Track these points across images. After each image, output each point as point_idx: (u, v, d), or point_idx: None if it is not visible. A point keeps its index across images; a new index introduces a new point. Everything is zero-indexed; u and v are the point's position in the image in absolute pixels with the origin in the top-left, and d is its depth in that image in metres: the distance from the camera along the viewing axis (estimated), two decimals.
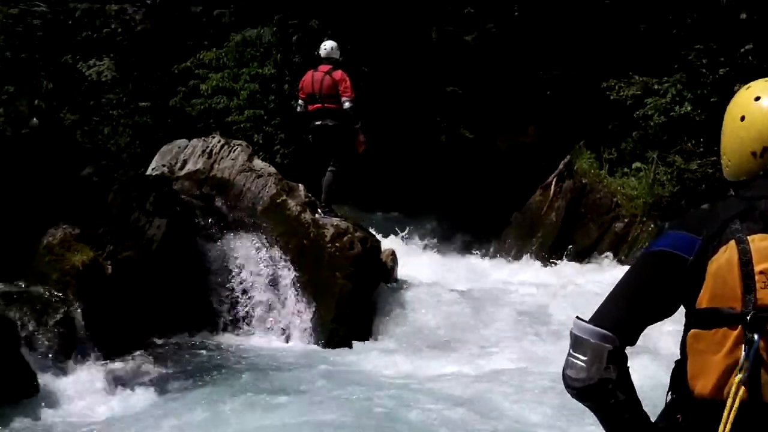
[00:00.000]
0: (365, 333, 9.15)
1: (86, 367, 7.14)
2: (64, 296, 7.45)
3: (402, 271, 10.45)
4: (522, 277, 11.83)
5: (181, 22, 17.79)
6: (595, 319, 2.02)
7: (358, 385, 7.27)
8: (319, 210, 9.89)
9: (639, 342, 2.06)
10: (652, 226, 12.41)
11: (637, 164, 13.87)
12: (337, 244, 9.40)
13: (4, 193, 7.99)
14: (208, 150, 11.05)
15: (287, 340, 9.06)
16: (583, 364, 1.99)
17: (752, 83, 2.11)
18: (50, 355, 6.96)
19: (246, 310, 9.15)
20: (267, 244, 9.59)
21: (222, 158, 10.88)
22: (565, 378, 2.03)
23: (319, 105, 9.62)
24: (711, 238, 1.95)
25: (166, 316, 8.59)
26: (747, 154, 2.04)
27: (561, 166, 13.88)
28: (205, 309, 9.05)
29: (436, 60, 16.52)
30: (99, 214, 8.48)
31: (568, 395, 2.08)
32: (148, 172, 11.09)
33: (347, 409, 6.45)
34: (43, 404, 6.46)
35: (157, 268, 8.55)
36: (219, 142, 11.17)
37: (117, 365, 7.46)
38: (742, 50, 12.60)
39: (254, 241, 9.57)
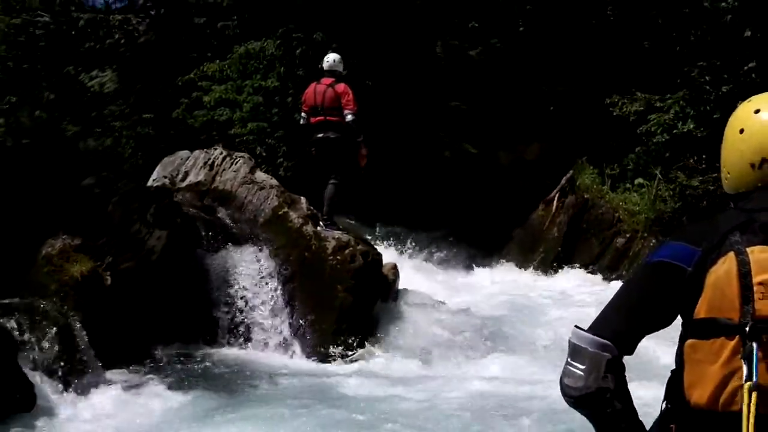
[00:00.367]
0: (365, 346, 9.10)
1: (85, 379, 7.10)
2: (63, 307, 7.42)
3: (403, 285, 10.41)
4: (523, 292, 11.80)
5: (184, 33, 17.82)
6: (594, 328, 2.04)
7: (358, 398, 7.25)
8: (320, 223, 9.87)
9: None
10: (653, 241, 12.40)
11: (640, 180, 13.89)
12: (338, 257, 9.37)
13: (4, 204, 7.97)
14: (210, 162, 11.06)
15: (286, 351, 9.01)
16: (581, 373, 2.00)
17: (753, 97, 2.14)
18: (48, 367, 6.92)
19: (246, 322, 9.11)
20: (268, 257, 9.56)
21: (224, 170, 10.88)
22: (563, 386, 2.05)
23: (322, 118, 9.62)
24: (711, 250, 1.96)
25: (166, 327, 8.55)
26: (746, 166, 2.07)
27: (563, 181, 13.89)
28: (205, 321, 9.02)
29: (440, 74, 16.54)
30: (99, 225, 8.45)
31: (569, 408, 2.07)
32: (150, 183, 11.10)
33: (346, 422, 6.42)
34: (40, 416, 6.40)
35: (157, 279, 8.52)
36: (221, 153, 11.17)
37: (116, 377, 7.43)
38: (746, 68, 12.61)
39: (255, 254, 9.54)
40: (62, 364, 6.99)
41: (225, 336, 9.03)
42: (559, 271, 13.09)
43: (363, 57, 15.33)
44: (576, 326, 2.07)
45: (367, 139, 9.71)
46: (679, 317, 2.03)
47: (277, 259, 9.56)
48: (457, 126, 16.36)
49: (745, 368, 1.86)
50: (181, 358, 8.38)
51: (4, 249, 7.65)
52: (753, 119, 2.06)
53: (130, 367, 7.79)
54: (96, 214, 8.59)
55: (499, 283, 12.60)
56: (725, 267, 1.91)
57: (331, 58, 9.97)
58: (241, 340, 9.03)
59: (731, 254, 1.91)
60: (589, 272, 12.95)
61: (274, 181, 10.72)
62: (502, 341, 9.20)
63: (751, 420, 1.84)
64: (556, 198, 13.74)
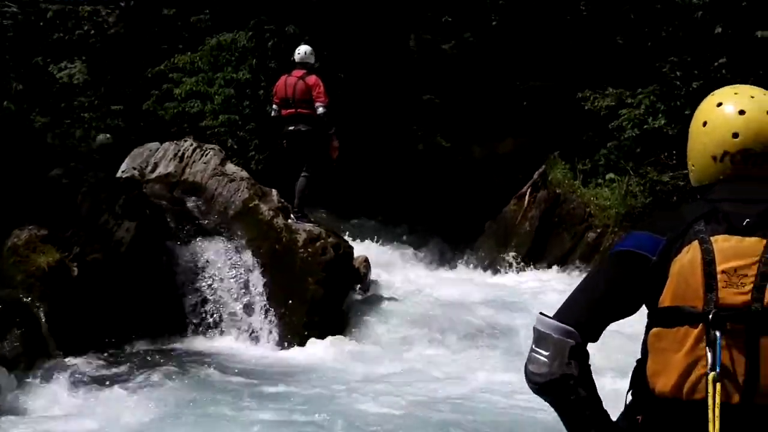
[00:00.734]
0: (337, 338, 9.07)
1: (49, 370, 7.02)
2: (28, 298, 7.33)
3: (375, 278, 10.41)
4: (495, 285, 11.84)
5: (155, 25, 17.66)
6: (559, 315, 2.05)
7: (328, 389, 7.24)
8: (291, 215, 9.83)
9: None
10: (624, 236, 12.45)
11: (611, 175, 13.95)
12: (309, 250, 9.33)
13: None
14: (179, 153, 10.98)
15: (257, 344, 8.97)
16: (545, 359, 2.01)
17: (717, 90, 2.15)
18: (12, 358, 6.83)
19: (216, 314, 9.06)
20: (238, 249, 9.51)
21: (194, 162, 10.80)
22: (527, 373, 2.05)
23: (293, 110, 9.57)
24: (675, 239, 1.97)
25: (135, 319, 8.47)
26: (708, 158, 2.08)
27: (536, 176, 13.92)
28: (174, 312, 8.95)
29: (413, 68, 16.54)
30: (67, 216, 8.36)
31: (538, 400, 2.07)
32: (118, 174, 10.98)
33: (316, 412, 6.39)
34: (3, 406, 6.33)
35: (126, 270, 8.45)
36: (191, 145, 11.09)
37: (81, 368, 7.34)
38: (716, 63, 12.67)
39: (225, 246, 9.49)
40: (26, 354, 6.91)
41: (194, 328, 8.97)
42: (531, 264, 13.14)
43: (335, 49, 15.28)
44: (541, 313, 2.08)
45: (338, 131, 9.69)
46: (644, 306, 2.03)
47: (248, 252, 9.50)
48: (431, 119, 16.38)
49: (709, 356, 1.87)
50: (150, 350, 8.30)
51: None
52: (716, 112, 2.07)
53: (96, 358, 7.70)
54: (64, 204, 8.49)
55: (472, 277, 12.62)
56: (689, 256, 1.91)
57: (302, 50, 9.91)
58: (211, 332, 8.97)
59: (695, 243, 1.92)
60: (560, 266, 13.01)
61: (245, 173, 10.66)
62: (472, 334, 9.21)
63: (717, 411, 1.84)
64: (528, 192, 13.76)
